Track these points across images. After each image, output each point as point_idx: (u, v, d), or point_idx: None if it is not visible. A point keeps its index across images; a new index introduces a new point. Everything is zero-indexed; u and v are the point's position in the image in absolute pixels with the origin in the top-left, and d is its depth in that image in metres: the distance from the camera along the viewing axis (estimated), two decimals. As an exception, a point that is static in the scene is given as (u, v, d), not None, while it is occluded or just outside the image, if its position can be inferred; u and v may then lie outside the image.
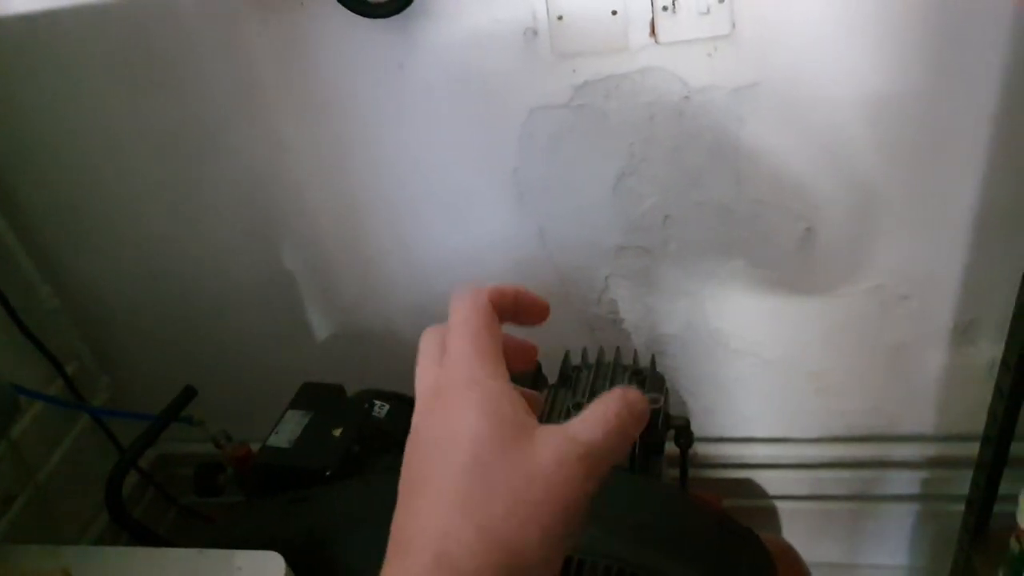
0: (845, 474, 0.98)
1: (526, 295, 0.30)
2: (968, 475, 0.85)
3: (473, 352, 0.27)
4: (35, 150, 0.89)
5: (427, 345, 0.29)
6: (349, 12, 0.72)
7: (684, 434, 0.70)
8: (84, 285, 0.99)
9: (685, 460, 0.75)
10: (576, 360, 0.77)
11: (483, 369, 0.26)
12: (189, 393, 0.91)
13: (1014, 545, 0.75)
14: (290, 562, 0.63)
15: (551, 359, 0.75)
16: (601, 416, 0.26)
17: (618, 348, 0.78)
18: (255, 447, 0.83)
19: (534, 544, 0.24)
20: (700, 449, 0.99)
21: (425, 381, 0.28)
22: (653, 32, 0.71)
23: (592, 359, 0.76)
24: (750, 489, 1.01)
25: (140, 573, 0.61)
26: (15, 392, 0.71)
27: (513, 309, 0.30)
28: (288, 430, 0.79)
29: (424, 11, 0.73)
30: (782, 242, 0.81)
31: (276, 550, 0.63)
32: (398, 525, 0.26)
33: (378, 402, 0.82)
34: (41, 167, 0.90)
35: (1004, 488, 0.81)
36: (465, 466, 0.25)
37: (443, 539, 0.24)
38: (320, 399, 0.83)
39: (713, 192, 0.79)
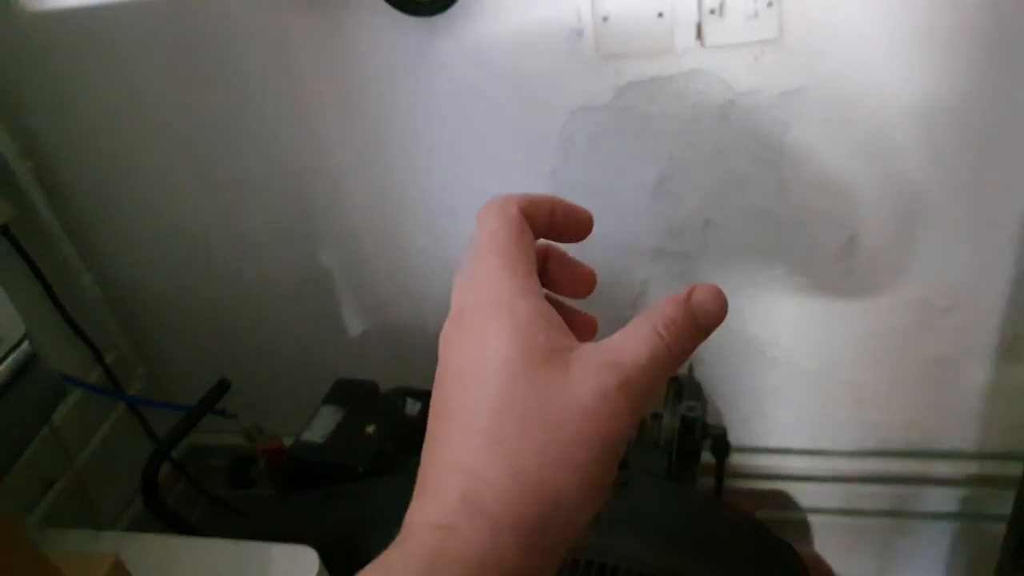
0: (881, 489, 0.96)
1: (563, 204, 0.27)
2: (1009, 494, 0.83)
3: (501, 269, 0.24)
4: (82, 142, 0.91)
5: (465, 260, 0.26)
6: (393, 10, 0.72)
7: (721, 444, 0.69)
8: (124, 275, 1.01)
9: (721, 470, 0.74)
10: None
11: (512, 288, 0.24)
12: (224, 386, 0.92)
13: (1059, 568, 0.73)
14: (323, 558, 0.63)
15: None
16: (648, 333, 0.23)
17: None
18: (287, 441, 0.84)
19: (570, 486, 0.22)
20: (734, 459, 0.97)
21: (455, 300, 0.25)
22: (699, 35, 0.70)
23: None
24: (783, 501, 0.99)
25: (179, 561, 0.62)
26: (61, 378, 0.72)
27: (548, 222, 0.26)
28: (321, 426, 0.80)
29: (468, 10, 0.73)
30: (824, 250, 0.80)
31: (309, 545, 0.64)
32: (425, 459, 0.24)
33: (411, 399, 0.82)
34: (87, 159, 0.92)
35: (1049, 509, 0.79)
36: (494, 399, 0.22)
37: (471, 479, 0.22)
38: (353, 395, 0.84)
39: (755, 197, 0.78)
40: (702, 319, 0.24)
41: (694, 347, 0.24)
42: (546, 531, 0.22)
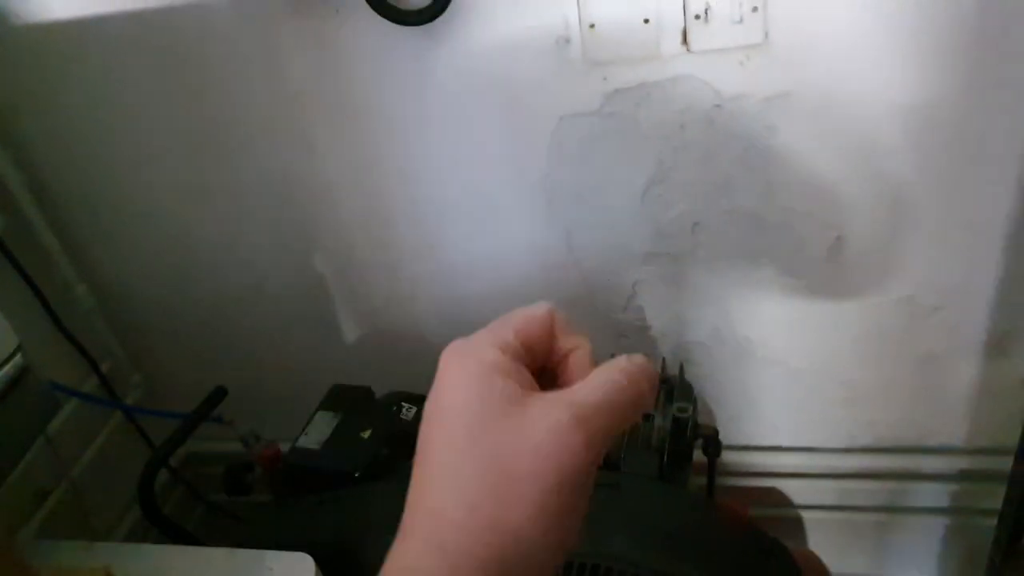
0: (873, 485, 0.97)
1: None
2: (999, 489, 0.84)
3: (484, 331, 0.26)
4: (75, 152, 0.91)
5: None
6: (383, 20, 0.72)
7: (712, 443, 0.70)
8: (119, 284, 1.01)
9: (713, 469, 0.74)
10: (603, 367, 0.76)
11: (481, 342, 0.25)
12: (220, 393, 0.92)
13: (1048, 562, 0.74)
14: (319, 564, 0.63)
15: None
16: (604, 375, 0.25)
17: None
18: (283, 447, 0.84)
19: (526, 522, 0.22)
20: (725, 457, 0.98)
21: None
22: (685, 40, 0.71)
23: (619, 366, 0.76)
24: (776, 498, 1.00)
25: (174, 571, 0.62)
26: (53, 389, 0.73)
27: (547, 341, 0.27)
28: (317, 431, 0.80)
29: (457, 19, 0.74)
30: (812, 251, 0.81)
31: (305, 551, 0.64)
32: (407, 505, 0.25)
33: (406, 404, 0.82)
34: (80, 168, 0.92)
35: (1038, 503, 0.80)
36: (454, 442, 0.24)
37: (433, 519, 0.23)
38: (349, 401, 0.84)
39: (743, 200, 0.79)
40: (645, 369, 0.26)
41: (650, 388, 0.25)
42: (506, 569, 0.22)
